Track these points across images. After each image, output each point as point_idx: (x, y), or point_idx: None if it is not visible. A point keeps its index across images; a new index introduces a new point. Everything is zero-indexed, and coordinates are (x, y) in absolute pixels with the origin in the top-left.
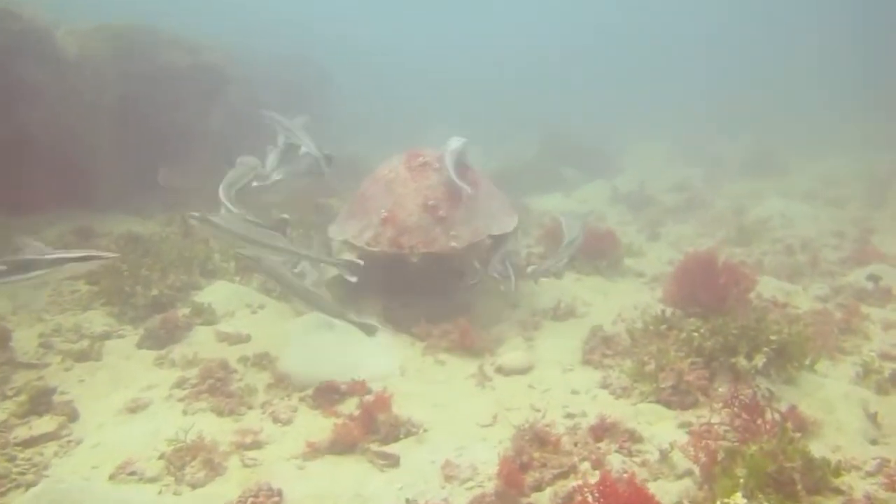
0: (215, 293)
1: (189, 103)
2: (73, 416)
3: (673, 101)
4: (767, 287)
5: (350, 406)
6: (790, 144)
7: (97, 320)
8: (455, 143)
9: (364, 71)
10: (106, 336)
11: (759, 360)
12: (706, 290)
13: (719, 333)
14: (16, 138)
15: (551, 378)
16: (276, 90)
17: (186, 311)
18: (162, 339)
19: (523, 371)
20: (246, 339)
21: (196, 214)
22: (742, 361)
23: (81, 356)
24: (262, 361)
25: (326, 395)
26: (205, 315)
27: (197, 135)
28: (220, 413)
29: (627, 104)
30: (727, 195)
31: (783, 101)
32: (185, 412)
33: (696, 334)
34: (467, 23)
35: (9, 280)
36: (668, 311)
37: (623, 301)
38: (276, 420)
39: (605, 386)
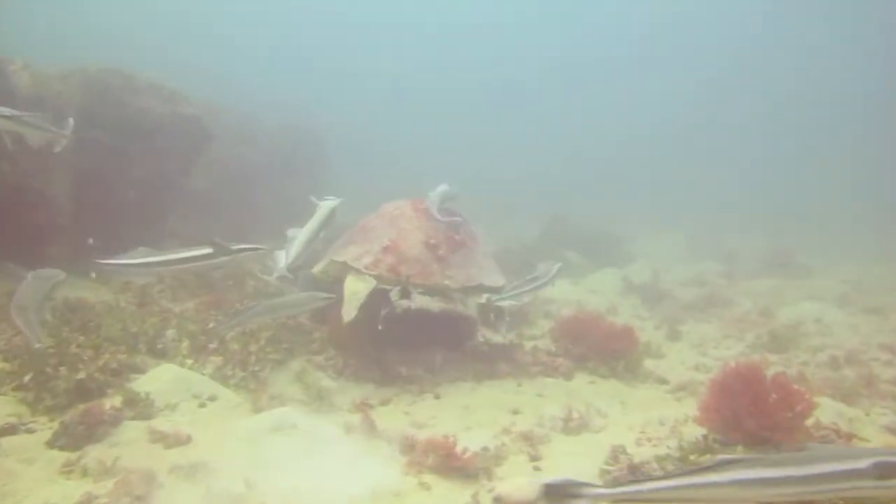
0: (158, 379)
1: (167, 157)
2: None
3: (685, 191)
4: (823, 410)
5: None
6: (806, 244)
7: (4, 408)
8: (442, 187)
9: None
10: (10, 430)
11: None
12: (754, 414)
13: None
14: None
15: None
16: (272, 153)
17: (118, 400)
18: (79, 436)
19: None
20: (185, 440)
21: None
22: None
23: None
24: (198, 474)
25: None
26: (139, 407)
27: (175, 192)
28: None
29: (637, 192)
30: (747, 292)
31: (806, 198)
32: None
33: None
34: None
35: None
36: (708, 436)
37: (646, 414)
38: None
39: None
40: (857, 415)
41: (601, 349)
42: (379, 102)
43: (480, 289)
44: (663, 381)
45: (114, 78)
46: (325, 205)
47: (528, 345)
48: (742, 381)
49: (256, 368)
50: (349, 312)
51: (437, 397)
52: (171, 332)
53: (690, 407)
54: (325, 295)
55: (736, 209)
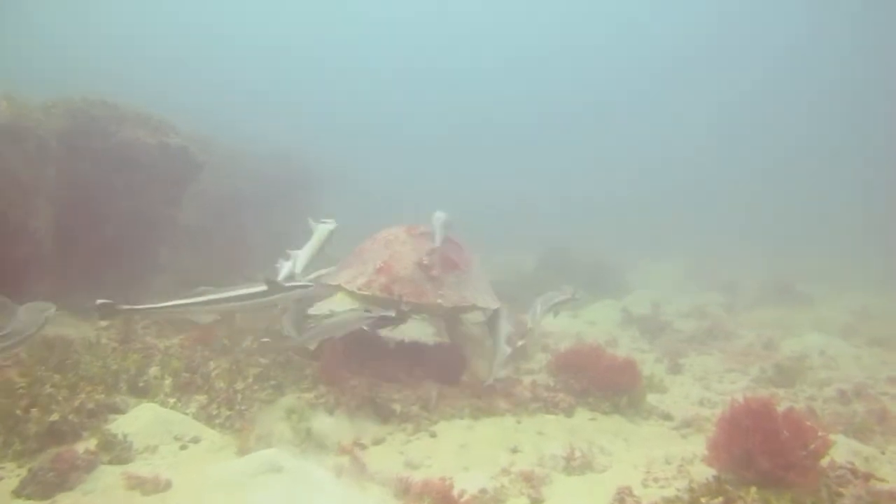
0: (137, 420)
1: (155, 188)
2: None
3: (684, 221)
4: (837, 447)
5: None
6: (808, 271)
7: None
8: (440, 214)
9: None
10: None
11: None
12: (767, 453)
13: None
14: None
15: None
16: (263, 185)
17: (93, 443)
18: (50, 484)
19: None
20: (164, 486)
21: None
22: None
23: None
24: None
25: None
26: (116, 450)
27: (165, 225)
28: None
29: (635, 222)
30: (749, 324)
31: (809, 225)
32: None
33: None
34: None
35: None
36: (719, 477)
37: (651, 452)
38: None
39: None
40: (873, 453)
41: (603, 383)
42: (374, 141)
43: (473, 310)
44: (667, 417)
45: (98, 108)
46: (323, 227)
47: (527, 379)
48: (753, 418)
49: (243, 407)
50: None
51: (432, 436)
52: (153, 370)
53: (697, 444)
54: (381, 312)
55: (735, 238)
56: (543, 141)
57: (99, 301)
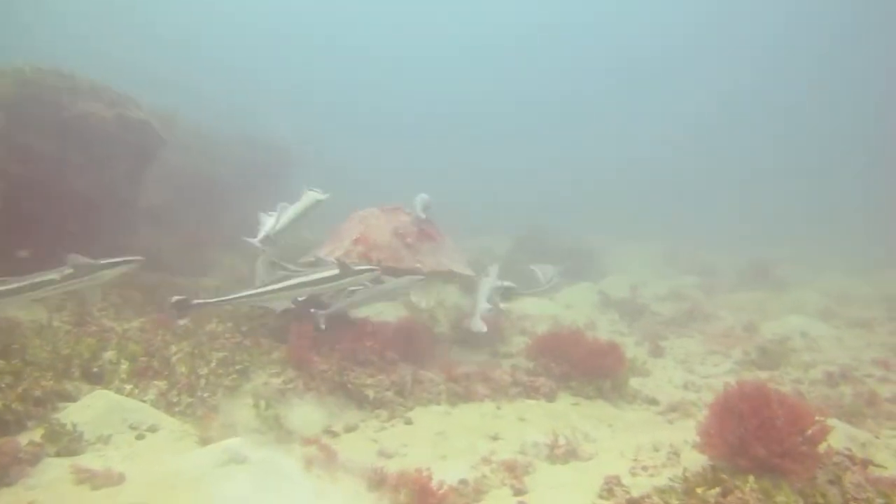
0: (90, 408)
1: (113, 166)
2: None
3: (660, 203)
4: (833, 433)
5: None
6: (787, 255)
7: None
8: (422, 195)
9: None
10: None
11: None
12: (762, 439)
13: None
14: None
15: None
16: (233, 166)
17: (38, 434)
18: None
19: None
20: (117, 480)
21: None
22: None
23: None
24: None
25: None
26: (64, 441)
27: (124, 205)
28: None
29: (609, 201)
30: (727, 306)
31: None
32: None
33: None
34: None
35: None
36: (714, 465)
37: (638, 439)
38: None
39: None
40: (868, 438)
41: (585, 367)
42: (356, 127)
43: (451, 276)
44: (652, 402)
45: (52, 79)
46: (313, 195)
47: (506, 363)
48: (748, 403)
49: (205, 394)
50: None
51: (408, 423)
52: (109, 354)
53: (685, 430)
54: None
55: (715, 225)
56: (528, 131)
57: (174, 298)
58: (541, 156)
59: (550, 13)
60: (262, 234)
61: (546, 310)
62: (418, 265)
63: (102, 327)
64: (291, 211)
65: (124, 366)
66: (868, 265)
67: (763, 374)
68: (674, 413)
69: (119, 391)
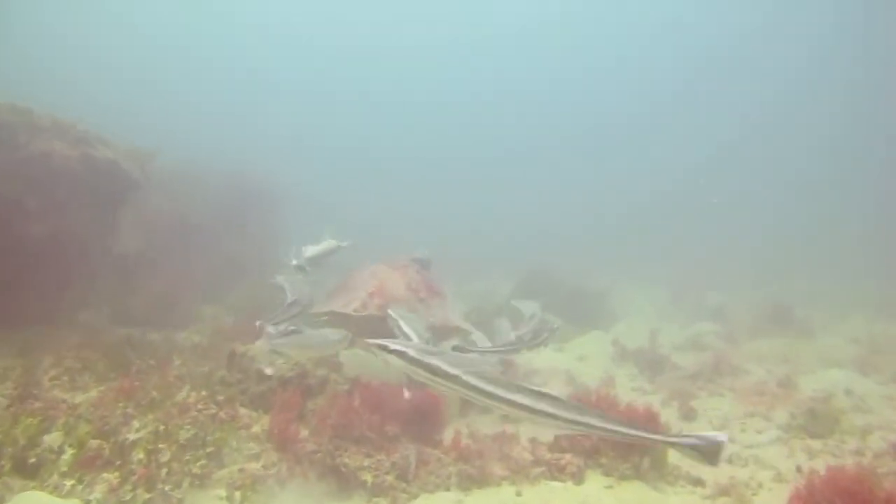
0: None
1: (78, 210)
2: None
3: (668, 244)
4: None
5: None
6: (797, 297)
7: None
8: (420, 250)
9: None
10: None
11: None
12: None
13: None
14: None
15: None
16: (216, 210)
17: None
18: None
19: None
20: None
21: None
22: None
23: None
24: None
25: None
26: None
27: (95, 254)
28: None
29: (612, 239)
30: (753, 356)
31: (795, 250)
32: None
33: None
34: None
35: None
36: None
37: None
38: None
39: None
40: None
41: (615, 442)
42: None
43: (456, 332)
44: (697, 482)
45: (5, 115)
46: (334, 242)
47: (524, 436)
48: (845, 498)
49: (167, 487)
50: None
51: None
52: (52, 437)
53: None
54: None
55: (717, 262)
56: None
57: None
58: (546, 192)
59: (557, 60)
60: (302, 258)
61: (557, 363)
62: (431, 321)
63: (49, 402)
64: (329, 242)
65: (68, 453)
66: (891, 303)
67: (815, 444)
68: (725, 497)
69: (57, 490)
